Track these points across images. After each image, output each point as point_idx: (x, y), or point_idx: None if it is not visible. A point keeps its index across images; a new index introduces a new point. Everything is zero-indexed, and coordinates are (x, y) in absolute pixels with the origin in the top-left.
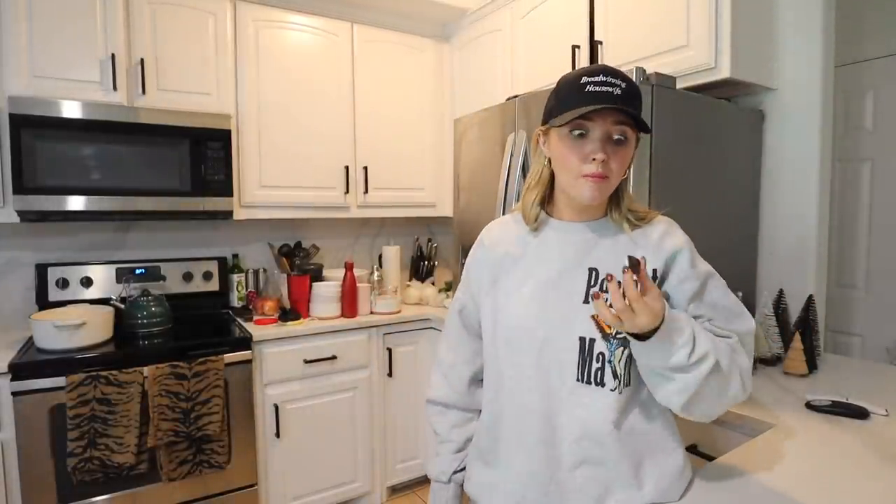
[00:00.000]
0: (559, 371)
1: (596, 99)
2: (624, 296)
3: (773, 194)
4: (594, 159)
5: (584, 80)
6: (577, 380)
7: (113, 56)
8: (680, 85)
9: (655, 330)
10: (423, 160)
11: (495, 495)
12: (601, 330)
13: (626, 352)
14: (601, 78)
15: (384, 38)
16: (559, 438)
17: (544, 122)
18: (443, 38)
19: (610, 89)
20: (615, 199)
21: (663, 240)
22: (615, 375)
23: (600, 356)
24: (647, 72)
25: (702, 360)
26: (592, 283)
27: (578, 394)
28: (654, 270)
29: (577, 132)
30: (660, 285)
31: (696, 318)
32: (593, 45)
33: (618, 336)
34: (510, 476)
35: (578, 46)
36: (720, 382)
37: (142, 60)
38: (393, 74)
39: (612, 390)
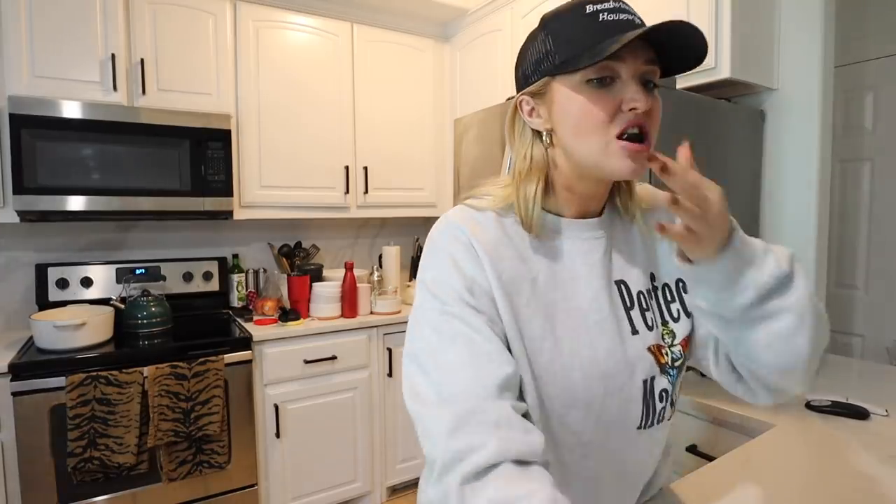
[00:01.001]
0: (622, 425)
1: (621, 29)
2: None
3: (773, 194)
4: (634, 108)
5: (592, 7)
6: (639, 428)
7: (113, 56)
8: (680, 85)
9: (729, 238)
10: (423, 160)
11: None
12: (658, 362)
13: (680, 379)
14: (612, 4)
15: (384, 38)
16: (626, 487)
17: (531, 82)
18: (443, 38)
19: (629, 17)
20: (620, 184)
21: (651, 215)
22: (672, 404)
23: (663, 394)
24: None
25: (794, 261)
26: (628, 303)
27: (640, 441)
28: (678, 280)
29: (600, 78)
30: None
31: None
32: None
33: (674, 364)
34: None
35: None
36: (815, 303)
37: (142, 60)
38: (393, 74)
39: (668, 421)
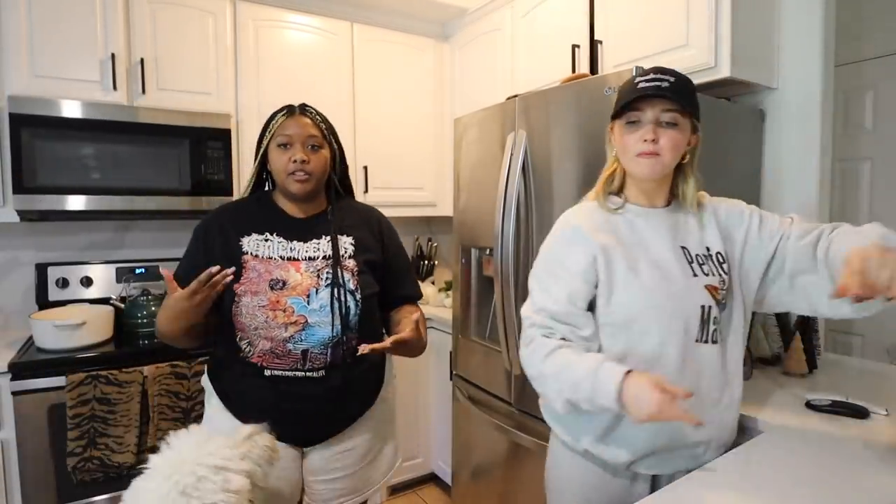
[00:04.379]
0: (685, 334)
1: (643, 91)
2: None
3: (773, 194)
4: (645, 140)
5: (638, 79)
6: (697, 341)
7: (113, 56)
8: None
9: None
10: (423, 160)
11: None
12: (713, 297)
13: (723, 314)
14: (651, 76)
15: (384, 37)
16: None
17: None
18: (443, 38)
19: (658, 83)
20: (681, 185)
21: (715, 212)
22: (720, 333)
23: (715, 319)
24: None
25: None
26: (689, 259)
27: (700, 351)
28: (718, 253)
29: (630, 121)
30: (732, 256)
31: (779, 243)
32: (593, 45)
33: (722, 301)
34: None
35: (578, 46)
36: None
37: (142, 60)
38: (393, 74)
39: (715, 344)
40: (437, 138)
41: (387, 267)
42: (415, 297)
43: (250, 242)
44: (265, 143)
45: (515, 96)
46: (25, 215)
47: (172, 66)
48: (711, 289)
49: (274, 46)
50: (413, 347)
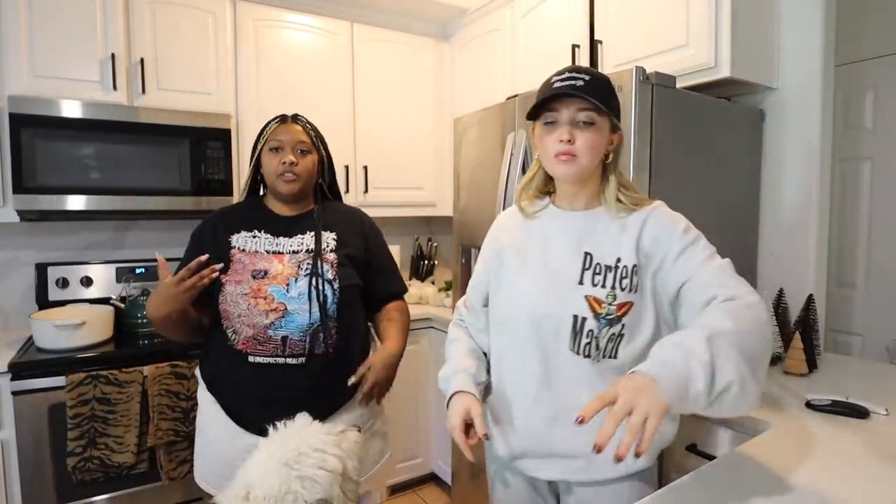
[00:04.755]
0: (556, 339)
1: (557, 91)
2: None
3: (773, 194)
4: (560, 141)
5: (553, 79)
6: (570, 350)
7: (113, 56)
8: (680, 84)
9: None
10: (423, 159)
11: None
12: (592, 308)
13: (612, 329)
14: (566, 75)
15: (384, 37)
16: (551, 399)
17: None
18: (443, 38)
19: (573, 82)
20: (603, 187)
21: (644, 222)
22: (597, 348)
23: (589, 333)
24: (647, 71)
25: (710, 346)
26: (586, 266)
27: (571, 363)
28: (634, 266)
29: (547, 122)
30: (645, 275)
31: (684, 283)
32: (593, 45)
33: (606, 316)
34: (510, 430)
35: (578, 46)
36: (759, 344)
37: (142, 60)
38: (393, 74)
39: (592, 360)
40: (437, 138)
41: (369, 264)
42: (398, 294)
43: (239, 239)
44: (259, 147)
45: (515, 96)
46: (25, 215)
47: (172, 66)
48: (592, 300)
49: (274, 46)
50: (386, 382)
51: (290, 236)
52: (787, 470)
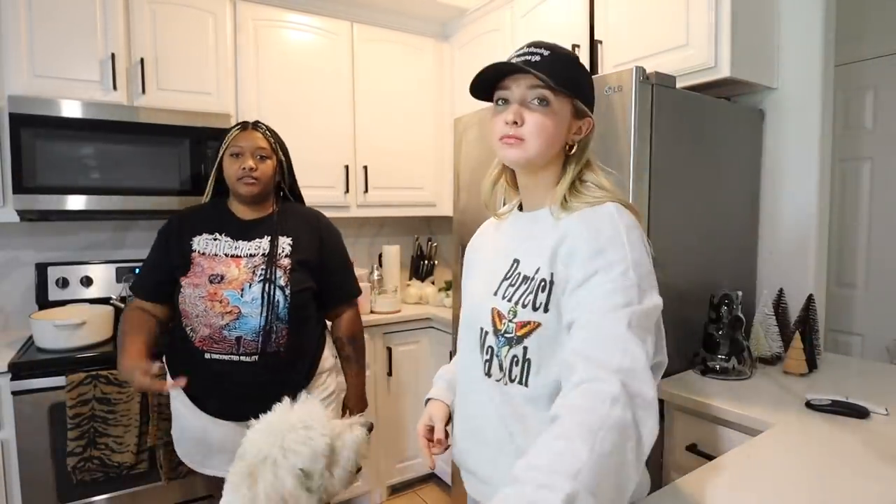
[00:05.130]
0: (472, 356)
1: (503, 67)
2: None
3: (773, 194)
4: (506, 122)
5: (512, 53)
6: (482, 371)
7: (113, 55)
8: (680, 84)
9: None
10: (422, 159)
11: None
12: (493, 323)
13: (512, 350)
14: (524, 49)
15: (384, 37)
16: (468, 415)
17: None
18: (443, 38)
19: (529, 57)
20: (560, 183)
21: (568, 229)
22: (501, 369)
23: (489, 350)
24: (647, 71)
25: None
26: (507, 274)
27: (480, 380)
28: (548, 280)
29: (499, 102)
30: (557, 289)
31: (569, 326)
32: (593, 45)
33: (505, 334)
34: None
35: (578, 46)
36: (618, 479)
37: (142, 60)
38: (392, 73)
39: (497, 381)
40: (437, 138)
41: (324, 265)
42: (350, 295)
43: (200, 241)
44: (221, 153)
45: None
46: (25, 215)
47: (172, 65)
48: (495, 314)
49: (274, 46)
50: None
51: (249, 240)
52: (787, 470)
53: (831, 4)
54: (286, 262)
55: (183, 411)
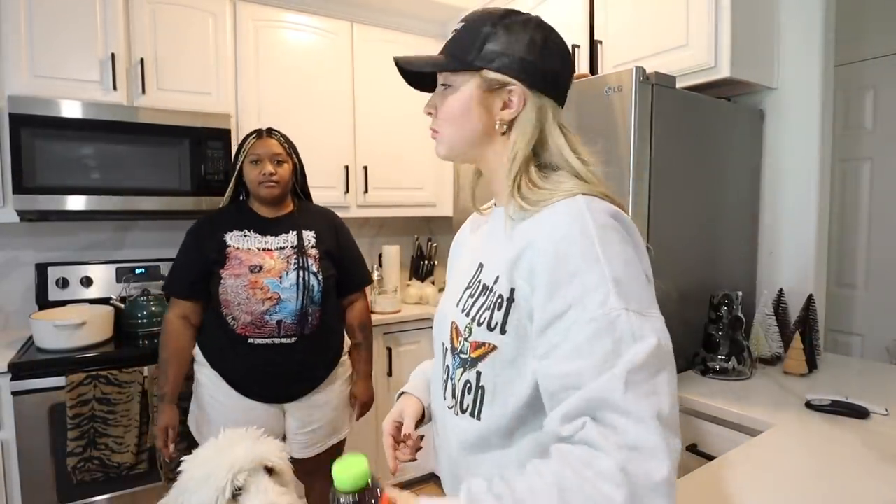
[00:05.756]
0: (440, 376)
1: (402, 62)
2: None
3: (772, 194)
4: (428, 114)
5: None
6: (441, 393)
7: (113, 56)
8: (680, 84)
9: None
10: (423, 160)
11: None
12: (451, 339)
13: (465, 374)
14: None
15: (384, 37)
16: (435, 427)
17: None
18: (443, 38)
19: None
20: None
21: (530, 242)
22: (453, 395)
23: (447, 368)
24: (647, 71)
25: None
26: (470, 281)
27: (441, 402)
28: (507, 297)
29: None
30: (519, 309)
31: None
32: (593, 45)
33: (461, 354)
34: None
35: (578, 46)
36: None
37: (142, 60)
38: (392, 73)
39: (449, 408)
40: None
41: (341, 257)
42: (363, 284)
43: (232, 237)
44: (240, 160)
45: None
46: (25, 215)
47: (172, 66)
48: (454, 328)
49: (274, 46)
50: (370, 401)
51: (276, 235)
52: (787, 470)
53: (831, 4)
54: (314, 251)
55: (222, 400)
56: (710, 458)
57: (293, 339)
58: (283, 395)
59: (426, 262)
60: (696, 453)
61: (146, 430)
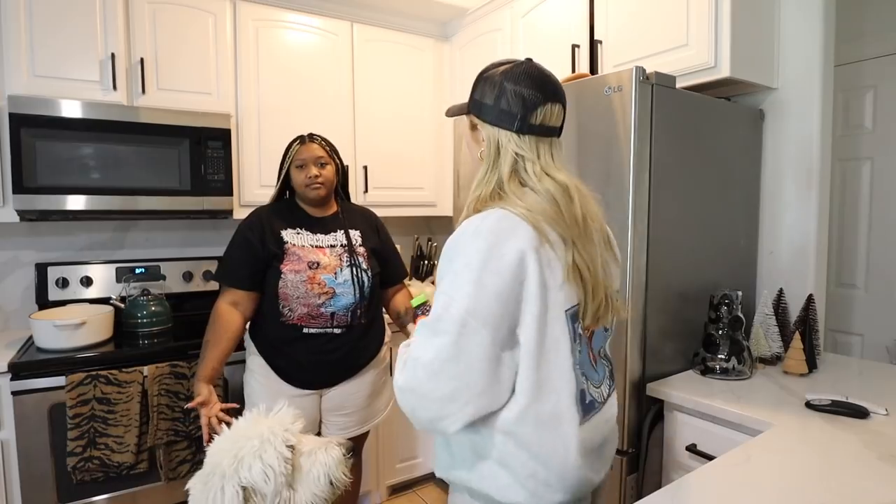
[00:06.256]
0: None
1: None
2: None
3: (772, 194)
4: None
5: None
6: None
7: (113, 55)
8: (680, 84)
9: None
10: (422, 159)
11: None
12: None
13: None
14: None
15: (384, 37)
16: None
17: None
18: (443, 38)
19: None
20: None
21: None
22: None
23: None
24: (647, 71)
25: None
26: None
27: None
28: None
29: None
30: None
31: None
32: (593, 45)
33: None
34: None
35: (578, 46)
36: None
37: (142, 60)
38: (393, 74)
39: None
40: (437, 138)
41: (384, 253)
42: (402, 276)
43: (288, 234)
44: (286, 166)
45: None
46: (25, 215)
47: (172, 65)
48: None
49: (274, 46)
50: None
51: (326, 233)
52: (787, 470)
53: (831, 4)
54: (362, 250)
55: (269, 386)
56: (710, 458)
57: (342, 330)
58: (326, 382)
59: (426, 261)
60: (696, 453)
61: (146, 430)
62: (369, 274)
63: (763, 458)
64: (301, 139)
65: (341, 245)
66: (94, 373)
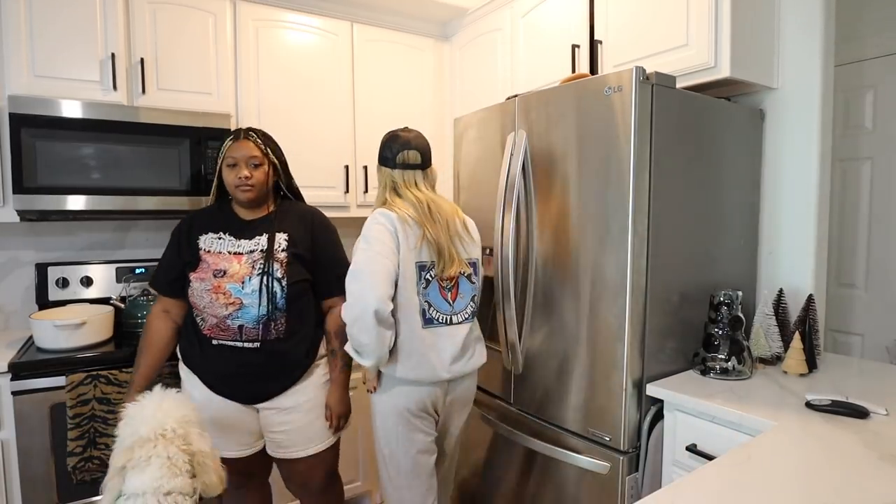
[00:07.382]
0: None
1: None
2: None
3: (773, 194)
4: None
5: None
6: None
7: (113, 55)
8: (680, 84)
9: None
10: None
11: None
12: None
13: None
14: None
15: (384, 37)
16: None
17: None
18: (443, 38)
19: None
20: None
21: None
22: None
23: None
24: (647, 71)
25: None
26: None
27: None
28: None
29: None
30: None
31: None
32: (593, 45)
33: None
34: None
35: (578, 46)
36: None
37: (142, 60)
38: (393, 74)
39: None
40: (437, 138)
41: (316, 260)
42: (338, 288)
43: (205, 240)
44: (219, 163)
45: (515, 96)
46: (25, 215)
47: (173, 65)
48: None
49: (274, 46)
50: (346, 412)
51: (250, 238)
52: (787, 470)
53: (831, 4)
54: (283, 255)
55: (198, 396)
56: (710, 458)
57: (255, 344)
58: (250, 397)
59: None
60: (696, 453)
61: None
62: (284, 283)
63: (763, 457)
64: (235, 135)
65: (260, 251)
66: (94, 373)
